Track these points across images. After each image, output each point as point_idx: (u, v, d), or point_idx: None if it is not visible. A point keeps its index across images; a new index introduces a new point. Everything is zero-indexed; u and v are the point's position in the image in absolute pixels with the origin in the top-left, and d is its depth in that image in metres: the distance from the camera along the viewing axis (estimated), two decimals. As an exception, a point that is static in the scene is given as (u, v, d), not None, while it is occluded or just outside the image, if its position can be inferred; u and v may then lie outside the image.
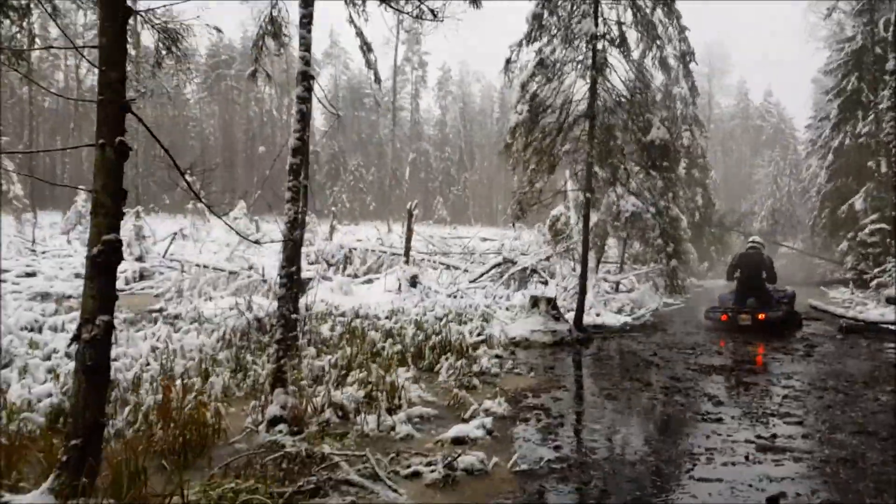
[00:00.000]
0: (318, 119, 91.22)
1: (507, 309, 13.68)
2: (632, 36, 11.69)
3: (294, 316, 8.42)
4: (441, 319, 11.78)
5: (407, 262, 15.96)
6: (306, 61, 5.83)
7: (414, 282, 15.18)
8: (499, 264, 17.06)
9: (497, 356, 9.55)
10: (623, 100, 11.52)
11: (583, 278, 11.70)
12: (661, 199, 11.69)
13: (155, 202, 62.82)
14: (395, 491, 4.53)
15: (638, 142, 11.28)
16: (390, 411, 6.31)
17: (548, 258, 16.97)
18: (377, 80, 8.56)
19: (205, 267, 15.32)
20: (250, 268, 16.23)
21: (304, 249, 21.00)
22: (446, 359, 8.44)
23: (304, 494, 4.43)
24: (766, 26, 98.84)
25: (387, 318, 11.76)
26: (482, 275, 17.09)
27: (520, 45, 11.36)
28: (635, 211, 10.99)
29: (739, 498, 4.60)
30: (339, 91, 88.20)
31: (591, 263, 16.35)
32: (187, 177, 5.61)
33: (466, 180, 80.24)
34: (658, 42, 11.45)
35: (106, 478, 4.03)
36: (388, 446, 5.50)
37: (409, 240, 16.10)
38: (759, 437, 6.00)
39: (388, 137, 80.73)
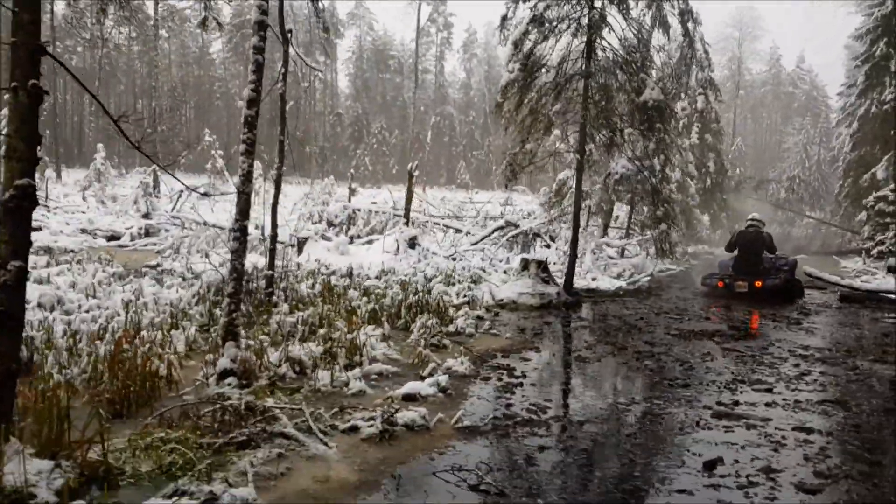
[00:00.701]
0: (343, 81, 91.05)
1: (505, 272, 13.57)
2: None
3: (269, 272, 8.49)
4: (430, 280, 11.73)
5: (407, 223, 15.88)
6: (263, 10, 5.69)
7: (413, 243, 15.11)
8: (501, 227, 16.92)
9: (478, 317, 9.49)
10: (620, 59, 11.22)
11: (573, 243, 11.55)
12: (653, 160, 11.38)
13: (178, 161, 63.31)
14: (325, 444, 4.51)
15: (631, 102, 11.00)
16: (349, 367, 6.29)
17: (550, 221, 16.79)
18: (325, 29, 8.40)
19: (205, 224, 15.38)
20: (256, 227, 16.26)
21: (308, 209, 21.09)
22: (422, 319, 8.39)
23: (233, 446, 4.41)
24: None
25: (376, 277, 11.72)
26: (483, 238, 16.97)
27: (515, 0, 11.08)
28: (625, 173, 10.73)
29: (675, 462, 4.51)
30: (364, 52, 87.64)
31: (595, 228, 16.18)
32: (137, 129, 5.58)
33: (490, 144, 79.51)
34: (657, 1, 11.10)
35: (29, 425, 4.05)
36: (337, 402, 5.48)
37: (409, 201, 15.99)
38: (720, 403, 5.88)
39: (411, 100, 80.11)
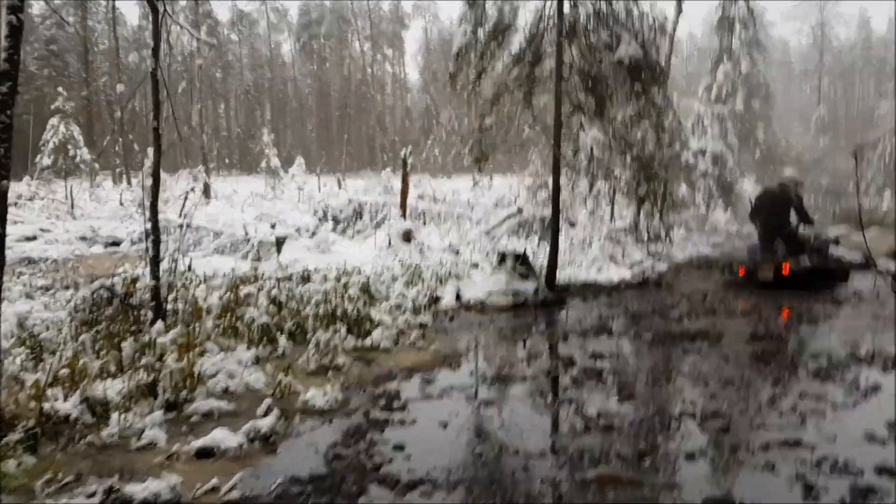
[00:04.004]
0: (413, 76, 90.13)
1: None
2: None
3: (153, 283, 7.32)
4: (397, 279, 10.37)
5: (403, 215, 14.54)
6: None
7: (408, 237, 13.76)
8: (513, 215, 15.34)
9: (421, 325, 8.09)
10: (602, 14, 9.51)
11: (554, 231, 9.93)
12: (632, 130, 9.57)
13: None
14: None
15: (600, 62, 9.26)
16: (173, 405, 5.04)
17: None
18: None
19: (188, 227, 14.47)
20: (245, 231, 15.27)
21: (308, 204, 20.04)
22: (322, 333, 7.05)
23: None
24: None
25: (336, 279, 10.43)
26: (495, 227, 15.44)
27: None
28: (593, 146, 9.04)
29: None
30: (430, 43, 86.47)
31: (604, 213, 14.43)
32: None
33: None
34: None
35: None
36: (111, 459, 4.23)
37: (404, 192, 14.65)
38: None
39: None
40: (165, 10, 7.14)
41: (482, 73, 9.64)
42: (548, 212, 14.26)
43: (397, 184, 35.47)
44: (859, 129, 65.48)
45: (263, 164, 44.19)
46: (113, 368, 5.66)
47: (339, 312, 7.61)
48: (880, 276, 10.47)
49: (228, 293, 8.00)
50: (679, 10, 17.50)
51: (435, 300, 9.47)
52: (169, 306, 7.48)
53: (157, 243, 7.20)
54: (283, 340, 6.76)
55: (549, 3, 9.78)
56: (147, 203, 7.35)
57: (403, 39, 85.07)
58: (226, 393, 5.53)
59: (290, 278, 10.49)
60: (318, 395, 5.28)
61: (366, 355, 6.75)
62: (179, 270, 11.06)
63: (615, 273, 11.76)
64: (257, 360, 6.20)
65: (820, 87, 66.20)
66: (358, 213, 17.30)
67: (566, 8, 9.58)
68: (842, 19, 77.81)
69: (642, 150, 9.69)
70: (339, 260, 12.61)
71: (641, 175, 10.12)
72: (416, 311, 8.54)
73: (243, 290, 8.04)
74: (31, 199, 24.50)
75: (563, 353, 6.88)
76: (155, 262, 7.16)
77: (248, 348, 6.44)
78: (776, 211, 10.78)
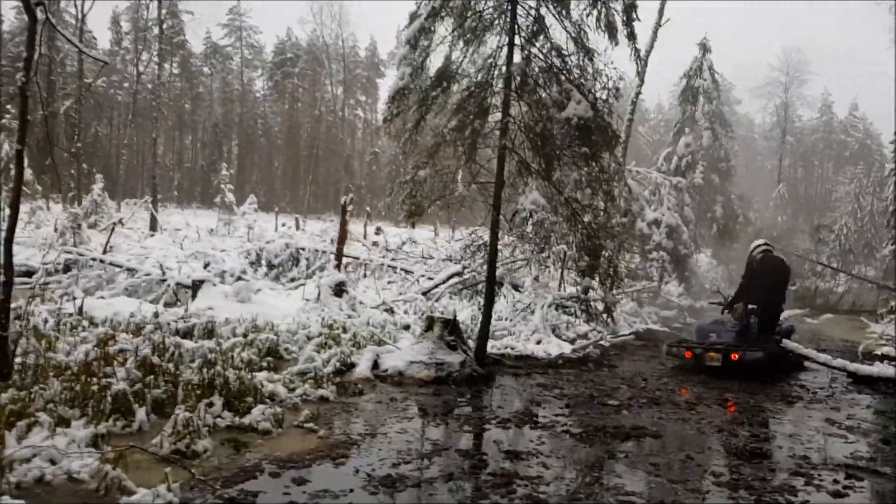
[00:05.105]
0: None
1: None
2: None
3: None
4: (312, 339, 9.34)
5: (338, 266, 13.55)
6: None
7: (340, 290, 12.74)
8: (459, 273, 14.43)
9: (322, 398, 7.07)
10: (556, 69, 8.80)
11: (489, 298, 9.03)
12: (575, 194, 8.79)
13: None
14: None
15: (549, 119, 8.51)
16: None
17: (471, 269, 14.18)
18: None
19: (101, 262, 13.31)
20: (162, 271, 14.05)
21: (244, 246, 19.01)
22: (208, 403, 6.00)
23: None
24: (853, 35, 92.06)
25: (243, 335, 9.38)
26: (438, 285, 14.51)
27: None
28: (534, 210, 8.25)
29: None
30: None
31: (551, 280, 13.62)
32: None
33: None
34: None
35: None
36: None
37: (341, 240, 13.70)
38: None
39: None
40: (47, 17, 6.20)
41: (421, 120, 8.82)
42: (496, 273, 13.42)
43: (356, 228, 34.70)
44: (817, 210, 66.77)
45: (218, 199, 43.05)
46: None
47: (219, 380, 6.51)
48: (832, 371, 9.73)
49: (96, 348, 6.86)
50: (641, 82, 17.10)
51: (349, 367, 8.48)
52: (20, 360, 6.36)
53: (8, 286, 6.08)
54: (140, 414, 5.66)
55: (499, 53, 9.06)
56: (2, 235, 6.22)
57: (378, 86, 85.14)
58: (39, 483, 4.45)
59: (190, 331, 9.40)
60: (148, 497, 4.22)
61: (239, 438, 5.69)
62: (66, 313, 10.01)
63: (555, 347, 10.88)
64: (96, 440, 5.10)
65: (781, 166, 67.40)
66: (295, 259, 16.27)
67: (517, 57, 8.87)
68: (805, 101, 79.94)
69: (591, 218, 8.93)
70: (259, 311, 11.56)
71: (585, 246, 9.32)
72: (317, 381, 7.51)
73: (115, 345, 6.90)
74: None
75: (474, 448, 5.90)
76: (3, 308, 6.04)
77: (92, 423, 5.33)
78: (782, 278, 10.22)
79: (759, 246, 10.99)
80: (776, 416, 7.79)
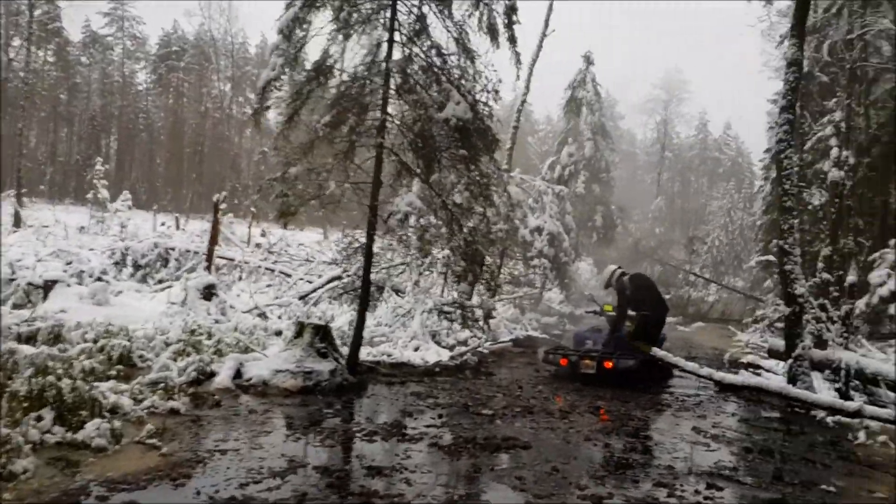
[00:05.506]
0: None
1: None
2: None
3: None
4: (170, 345, 8.67)
5: (209, 268, 12.81)
6: None
7: (209, 293, 12.01)
8: (337, 277, 13.96)
9: (172, 410, 6.49)
10: (436, 68, 8.56)
11: (363, 303, 8.67)
12: (454, 198, 8.62)
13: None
14: None
15: (429, 120, 8.28)
16: None
17: (401, 271, 13.96)
18: None
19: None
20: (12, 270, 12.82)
21: (106, 243, 17.87)
22: (37, 416, 5.35)
23: None
24: (730, 58, 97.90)
25: (94, 340, 8.60)
26: (317, 289, 13.99)
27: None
28: (409, 212, 7.99)
29: None
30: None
31: (434, 285, 13.42)
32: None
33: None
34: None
35: None
36: None
37: (213, 240, 12.95)
38: None
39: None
40: None
41: (295, 115, 8.34)
42: (376, 278, 13.06)
43: (241, 230, 33.43)
44: (692, 223, 70.34)
45: (90, 196, 40.56)
46: None
47: (51, 391, 5.83)
48: (701, 380, 9.96)
49: None
50: (526, 89, 17.24)
51: (208, 377, 7.89)
52: None
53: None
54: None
55: (379, 49, 8.73)
56: None
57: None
58: None
59: (33, 335, 8.55)
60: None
61: (70, 456, 5.08)
62: None
63: (434, 354, 10.64)
64: None
65: (660, 180, 70.56)
66: (164, 260, 15.31)
67: (397, 55, 8.58)
68: (683, 119, 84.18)
69: (476, 223, 8.75)
70: (118, 314, 10.71)
71: (464, 251, 9.09)
72: (169, 392, 6.91)
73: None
74: None
75: (335, 465, 5.52)
76: None
77: None
78: (657, 294, 11.08)
79: (617, 271, 11.32)
80: (645, 424, 7.81)
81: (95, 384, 6.72)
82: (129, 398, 6.49)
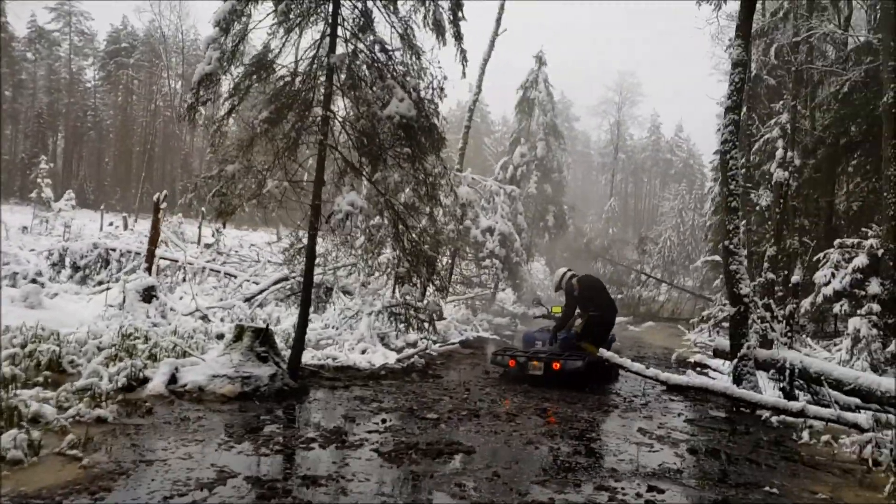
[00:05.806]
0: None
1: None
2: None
3: None
4: (102, 350, 8.32)
5: (149, 269, 12.40)
6: None
7: (149, 296, 11.62)
8: (284, 279, 13.66)
9: (99, 419, 6.18)
10: (380, 64, 8.37)
11: (304, 304, 8.42)
12: (399, 196, 8.47)
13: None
14: None
15: (373, 117, 8.10)
16: None
17: (350, 273, 13.73)
18: None
19: None
20: None
21: (49, 244, 17.30)
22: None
23: None
24: (681, 61, 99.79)
25: (21, 345, 8.20)
26: (262, 291, 13.66)
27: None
28: (351, 212, 7.80)
29: None
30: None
31: (384, 286, 13.22)
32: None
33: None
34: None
35: None
36: None
37: (154, 240, 12.55)
38: None
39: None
40: None
41: (233, 111, 8.08)
42: (324, 279, 12.80)
43: (191, 230, 32.66)
44: (645, 224, 71.39)
45: (34, 195, 39.32)
46: None
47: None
48: (648, 381, 9.95)
49: None
50: (478, 90, 17.14)
51: (141, 382, 7.57)
52: None
53: None
54: None
55: (321, 44, 8.50)
56: None
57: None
58: None
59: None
60: None
61: (-15, 469, 4.77)
62: None
63: (380, 357, 10.44)
64: None
65: (613, 181, 71.39)
66: (104, 261, 14.81)
67: (339, 50, 8.35)
68: (636, 121, 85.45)
69: (424, 223, 8.58)
70: (51, 318, 10.27)
71: (406, 251, 8.91)
72: (96, 399, 6.59)
73: None
74: None
75: (268, 475, 5.28)
76: None
77: None
78: (608, 296, 11.25)
79: (567, 273, 11.34)
80: (591, 426, 7.74)
81: (18, 392, 6.40)
82: (53, 406, 6.16)
